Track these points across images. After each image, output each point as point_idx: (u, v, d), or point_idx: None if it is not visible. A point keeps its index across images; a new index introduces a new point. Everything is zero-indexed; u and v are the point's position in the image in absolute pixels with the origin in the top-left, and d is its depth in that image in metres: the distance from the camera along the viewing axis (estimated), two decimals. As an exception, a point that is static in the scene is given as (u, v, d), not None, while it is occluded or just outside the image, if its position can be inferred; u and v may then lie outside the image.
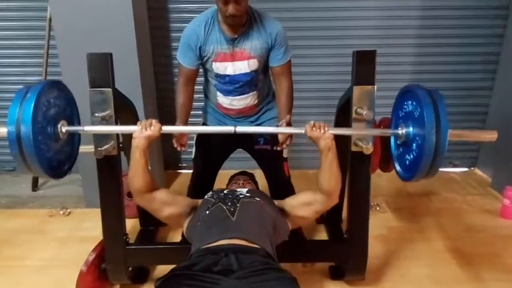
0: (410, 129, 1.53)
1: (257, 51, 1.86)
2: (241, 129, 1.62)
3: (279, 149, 1.98)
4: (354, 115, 1.68)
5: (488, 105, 3.42)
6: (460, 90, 3.38)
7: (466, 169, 3.56)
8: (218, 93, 1.98)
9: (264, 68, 1.97)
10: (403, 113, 1.62)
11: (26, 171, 1.42)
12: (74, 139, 1.67)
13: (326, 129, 1.50)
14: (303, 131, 1.53)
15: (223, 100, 1.99)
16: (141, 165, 1.52)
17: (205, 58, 1.89)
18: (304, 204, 1.62)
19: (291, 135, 1.93)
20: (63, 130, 1.52)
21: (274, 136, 2.05)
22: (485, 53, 3.30)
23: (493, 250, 2.32)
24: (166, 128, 1.59)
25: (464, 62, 3.33)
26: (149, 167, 1.57)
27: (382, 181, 3.13)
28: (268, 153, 2.10)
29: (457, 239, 2.42)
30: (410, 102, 1.55)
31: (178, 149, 1.98)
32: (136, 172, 1.52)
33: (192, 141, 2.11)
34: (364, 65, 1.66)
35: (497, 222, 2.65)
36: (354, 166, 1.79)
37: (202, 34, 1.83)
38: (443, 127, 1.37)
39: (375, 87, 1.66)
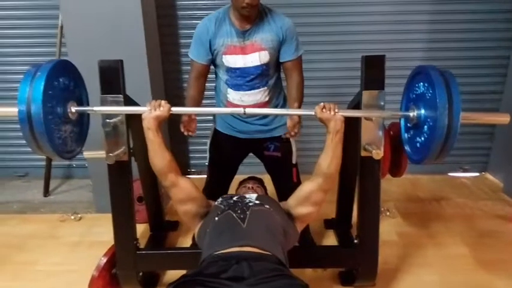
0: (422, 111, 1.50)
1: (268, 43, 1.87)
2: (251, 110, 1.64)
3: (287, 136, 1.96)
4: (363, 120, 1.68)
5: (498, 109, 3.38)
6: (470, 94, 3.36)
7: (477, 174, 3.52)
8: (229, 89, 1.99)
9: (275, 63, 1.97)
10: (414, 95, 1.60)
11: (37, 150, 1.43)
12: (83, 120, 1.68)
13: (336, 110, 1.50)
14: (313, 113, 1.53)
15: (234, 96, 1.98)
16: (157, 143, 1.53)
17: (216, 52, 1.91)
18: (303, 200, 1.59)
19: (299, 122, 1.92)
20: (73, 110, 1.54)
21: (283, 143, 2.05)
22: (495, 56, 3.28)
23: (506, 256, 2.29)
24: (176, 109, 1.59)
25: (474, 66, 3.30)
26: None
27: (392, 186, 3.11)
28: (277, 161, 2.10)
29: (468, 245, 2.39)
30: (422, 83, 1.53)
31: (185, 133, 1.98)
32: (154, 152, 1.54)
33: (202, 131, 2.11)
34: (373, 70, 1.66)
35: (509, 228, 2.61)
36: (364, 171, 1.79)
37: (213, 28, 1.87)
38: (455, 108, 1.35)
39: (384, 91, 1.66)
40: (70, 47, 2.54)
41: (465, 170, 3.52)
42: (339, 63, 3.28)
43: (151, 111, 1.53)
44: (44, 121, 1.34)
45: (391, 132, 1.99)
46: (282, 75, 2.06)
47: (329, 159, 1.52)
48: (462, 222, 2.68)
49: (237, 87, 1.96)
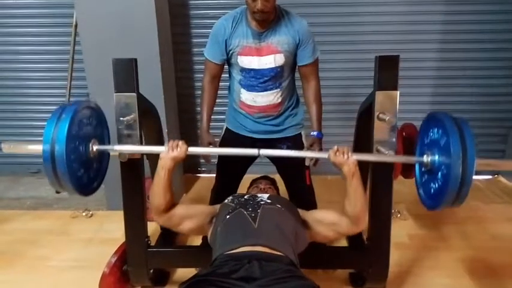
0: (436, 157, 1.48)
1: (284, 46, 1.87)
2: (265, 151, 1.64)
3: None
4: (376, 120, 1.66)
5: (512, 110, 3.35)
6: (484, 96, 3.33)
7: (490, 177, 3.47)
8: (242, 89, 1.99)
9: (290, 66, 1.97)
10: (428, 140, 1.58)
11: (58, 188, 1.48)
12: (104, 157, 1.72)
13: (349, 154, 1.50)
14: (327, 156, 1.54)
15: (247, 96, 1.99)
16: (164, 184, 1.55)
17: (231, 52, 1.91)
18: (328, 223, 1.59)
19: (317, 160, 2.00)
20: (94, 149, 1.58)
21: (296, 145, 2.04)
22: (509, 58, 3.24)
23: (519, 260, 2.26)
24: (192, 150, 1.61)
25: (488, 67, 3.27)
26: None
27: (403, 188, 3.04)
28: (289, 161, 2.09)
29: (481, 249, 2.37)
30: (436, 129, 1.51)
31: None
32: (158, 191, 1.55)
33: (212, 130, 2.14)
34: (387, 70, 1.64)
35: (523, 232, 2.57)
36: (376, 172, 1.77)
37: (230, 28, 1.87)
38: (469, 157, 1.33)
39: (398, 92, 1.65)
40: (84, 45, 2.57)
41: (478, 173, 3.46)
42: (351, 64, 3.27)
43: (169, 152, 1.54)
44: (67, 161, 1.39)
45: (404, 134, 1.97)
46: (296, 74, 2.05)
47: (352, 203, 1.50)
48: (474, 225, 2.65)
49: (250, 88, 1.96)
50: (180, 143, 1.56)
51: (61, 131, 1.39)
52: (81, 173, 1.53)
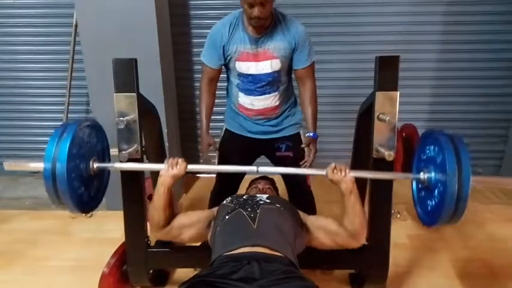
0: (432, 174, 1.49)
1: (280, 51, 1.87)
2: (264, 169, 1.64)
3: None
4: (376, 121, 1.66)
5: (512, 112, 3.35)
6: (483, 96, 3.33)
7: (490, 177, 3.48)
8: (240, 93, 1.99)
9: (287, 70, 1.97)
10: (425, 157, 1.58)
11: (58, 205, 1.49)
12: (104, 173, 1.72)
13: (347, 171, 1.50)
14: (324, 173, 1.54)
15: (244, 100, 1.99)
16: (165, 200, 1.55)
17: (228, 57, 1.91)
18: (328, 231, 1.59)
19: (315, 152, 1.99)
20: (94, 167, 1.59)
21: (295, 143, 2.05)
22: (509, 59, 3.24)
23: (518, 261, 2.26)
24: (192, 167, 1.62)
25: (488, 68, 3.27)
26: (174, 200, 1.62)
27: (403, 188, 3.04)
28: (289, 161, 2.09)
29: (480, 249, 2.37)
30: (432, 147, 1.52)
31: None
32: (159, 207, 1.56)
33: (212, 131, 2.14)
34: (387, 71, 1.64)
35: (522, 233, 2.57)
36: (376, 173, 1.77)
37: (227, 33, 1.87)
38: (465, 175, 1.34)
39: (398, 93, 1.65)
40: (84, 45, 2.57)
41: (478, 173, 3.47)
42: (351, 64, 3.26)
43: (168, 170, 1.55)
44: (68, 180, 1.40)
45: (404, 134, 1.97)
46: (293, 75, 2.05)
47: (351, 219, 1.51)
48: (474, 226, 2.64)
49: (248, 92, 1.97)
50: (180, 160, 1.57)
51: (62, 150, 1.41)
52: (81, 191, 1.54)
